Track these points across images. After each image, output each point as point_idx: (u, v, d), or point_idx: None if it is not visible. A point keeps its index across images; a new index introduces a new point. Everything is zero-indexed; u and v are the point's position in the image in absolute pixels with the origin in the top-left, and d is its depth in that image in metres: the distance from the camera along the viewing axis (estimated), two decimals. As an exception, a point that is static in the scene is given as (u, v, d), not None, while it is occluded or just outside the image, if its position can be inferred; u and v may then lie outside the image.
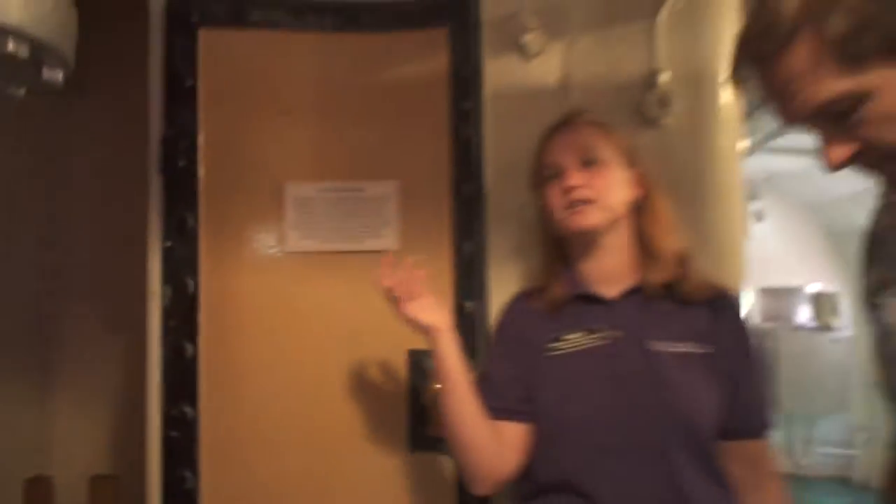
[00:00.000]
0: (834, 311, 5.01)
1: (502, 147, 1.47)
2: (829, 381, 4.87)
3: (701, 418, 1.06)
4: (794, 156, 4.19)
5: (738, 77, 0.83)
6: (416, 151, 1.48)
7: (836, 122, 0.74)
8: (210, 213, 1.45)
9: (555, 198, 1.17)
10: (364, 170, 1.47)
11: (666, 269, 1.14)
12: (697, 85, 1.47)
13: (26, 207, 1.76)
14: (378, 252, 1.47)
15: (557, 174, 1.17)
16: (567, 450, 1.08)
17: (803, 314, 5.17)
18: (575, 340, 1.13)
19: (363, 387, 1.46)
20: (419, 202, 1.47)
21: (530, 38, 1.48)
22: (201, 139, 1.45)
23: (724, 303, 1.16)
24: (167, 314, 1.42)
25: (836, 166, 0.76)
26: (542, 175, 1.20)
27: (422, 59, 1.49)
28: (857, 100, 0.72)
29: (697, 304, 1.13)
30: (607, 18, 1.49)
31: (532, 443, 1.13)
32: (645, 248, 1.18)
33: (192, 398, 1.41)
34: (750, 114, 3.19)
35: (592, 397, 1.08)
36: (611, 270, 1.17)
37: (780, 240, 5.11)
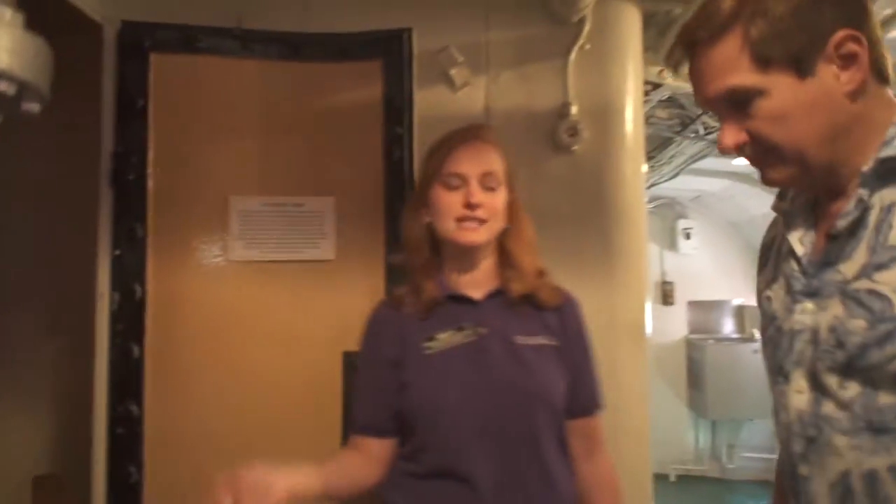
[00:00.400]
0: (755, 322, 5.34)
1: (431, 168, 1.63)
2: (753, 388, 5.16)
3: (558, 399, 1.21)
4: (716, 178, 4.51)
5: (671, 59, 0.94)
6: (352, 170, 1.62)
7: (735, 111, 0.86)
8: (158, 224, 1.55)
9: (452, 206, 1.22)
10: (304, 186, 1.60)
11: (526, 282, 1.25)
12: (603, 116, 1.67)
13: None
14: (316, 262, 1.61)
15: (460, 186, 1.22)
16: (446, 438, 1.17)
17: (728, 326, 5.49)
18: (447, 338, 1.22)
19: (301, 386, 1.59)
20: (354, 216, 1.61)
21: (456, 72, 1.65)
22: (151, 155, 1.56)
23: (570, 307, 1.30)
24: (115, 318, 1.51)
25: (726, 149, 0.89)
26: (445, 181, 1.23)
27: (359, 87, 1.64)
28: (755, 94, 0.84)
29: (549, 308, 1.27)
30: (525, 56, 1.67)
31: (415, 432, 1.20)
32: (508, 260, 1.28)
33: (137, 397, 1.50)
34: (672, 138, 3.47)
35: (466, 388, 1.18)
36: (478, 277, 1.27)
37: (707, 256, 5.43)
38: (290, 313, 1.57)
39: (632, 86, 1.70)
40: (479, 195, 1.21)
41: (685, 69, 0.92)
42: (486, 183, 1.23)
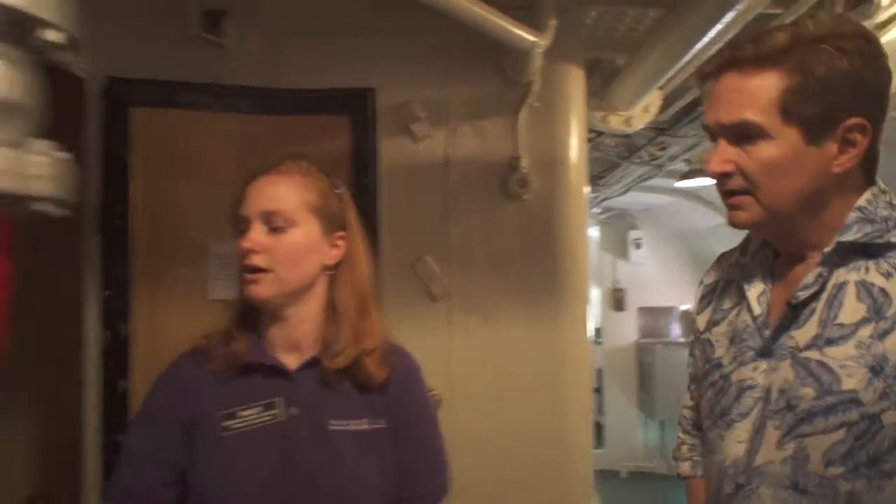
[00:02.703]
0: (701, 328, 5.64)
1: (395, 214, 1.79)
2: (698, 389, 5.46)
3: (368, 496, 1.05)
4: (663, 194, 4.77)
5: (704, 72, 0.95)
6: (322, 216, 1.77)
7: (736, 141, 0.90)
8: (142, 268, 1.68)
9: (239, 255, 1.04)
10: (278, 231, 1.74)
11: (345, 355, 1.06)
12: (550, 168, 1.85)
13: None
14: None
15: (244, 229, 1.04)
16: None
17: (675, 330, 5.79)
18: (250, 417, 1.04)
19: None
20: (325, 259, 1.76)
21: (417, 126, 1.81)
22: (134, 203, 1.68)
23: (402, 379, 1.12)
24: (104, 356, 1.64)
25: (712, 172, 0.94)
26: (236, 227, 1.06)
27: (327, 139, 1.79)
28: (763, 136, 0.88)
29: (374, 386, 1.08)
30: (480, 112, 1.85)
31: None
32: (333, 316, 1.08)
33: (125, 428, 1.63)
34: (626, 158, 3.68)
35: (263, 482, 1.01)
36: (296, 340, 1.08)
37: (655, 264, 5.70)
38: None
39: (576, 139, 1.89)
40: (257, 239, 1.02)
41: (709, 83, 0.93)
42: (272, 223, 1.03)
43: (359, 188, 1.76)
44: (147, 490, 1.04)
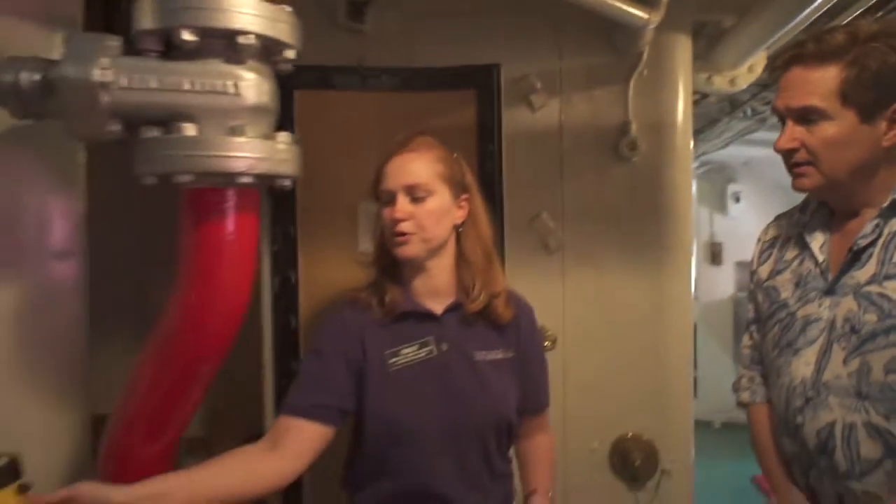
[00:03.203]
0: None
1: (515, 176, 2.02)
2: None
3: (510, 412, 1.32)
4: (766, 147, 4.72)
5: (775, 59, 1.17)
6: (452, 179, 2.03)
7: (801, 122, 1.12)
8: (304, 225, 2.00)
9: (387, 223, 1.28)
10: (415, 193, 2.02)
11: (480, 299, 1.29)
12: (658, 132, 2.02)
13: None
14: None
15: (390, 201, 1.27)
16: (409, 453, 1.25)
17: (774, 285, 5.74)
18: (410, 354, 1.26)
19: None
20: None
21: (535, 97, 2.02)
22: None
23: (523, 318, 1.38)
24: (276, 297, 1.98)
25: (780, 149, 1.16)
26: (380, 198, 1.31)
27: (457, 112, 2.03)
28: (824, 117, 1.08)
29: (503, 323, 1.34)
30: (592, 82, 2.03)
31: (376, 448, 1.27)
32: (466, 267, 1.31)
33: (295, 356, 1.98)
34: (729, 113, 3.71)
35: (429, 405, 1.25)
36: (436, 288, 1.31)
37: (754, 218, 5.65)
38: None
39: (682, 104, 2.04)
40: (403, 209, 1.24)
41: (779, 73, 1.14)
42: (413, 194, 1.25)
43: (484, 155, 2.00)
44: (310, 407, 1.25)
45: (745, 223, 5.67)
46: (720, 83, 2.48)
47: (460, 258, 1.33)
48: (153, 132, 1.04)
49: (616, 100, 2.02)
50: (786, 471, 1.29)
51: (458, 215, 1.32)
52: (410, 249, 1.25)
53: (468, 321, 1.31)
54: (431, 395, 1.26)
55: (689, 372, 2.11)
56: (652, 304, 2.04)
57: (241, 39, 1.01)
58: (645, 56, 1.98)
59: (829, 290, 1.17)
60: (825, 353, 1.16)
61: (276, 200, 1.99)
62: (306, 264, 2.01)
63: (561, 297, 2.05)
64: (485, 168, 2.01)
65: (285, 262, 1.99)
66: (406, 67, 2.02)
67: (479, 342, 1.32)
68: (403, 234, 1.25)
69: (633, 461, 1.98)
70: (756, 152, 5.00)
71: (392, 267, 1.33)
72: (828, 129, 1.11)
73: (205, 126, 1.03)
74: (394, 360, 1.27)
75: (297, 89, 1.98)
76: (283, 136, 1.11)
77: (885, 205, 1.14)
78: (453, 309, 1.32)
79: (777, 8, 1.86)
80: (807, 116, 1.12)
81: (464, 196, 1.34)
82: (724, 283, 5.79)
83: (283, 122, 1.97)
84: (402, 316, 1.30)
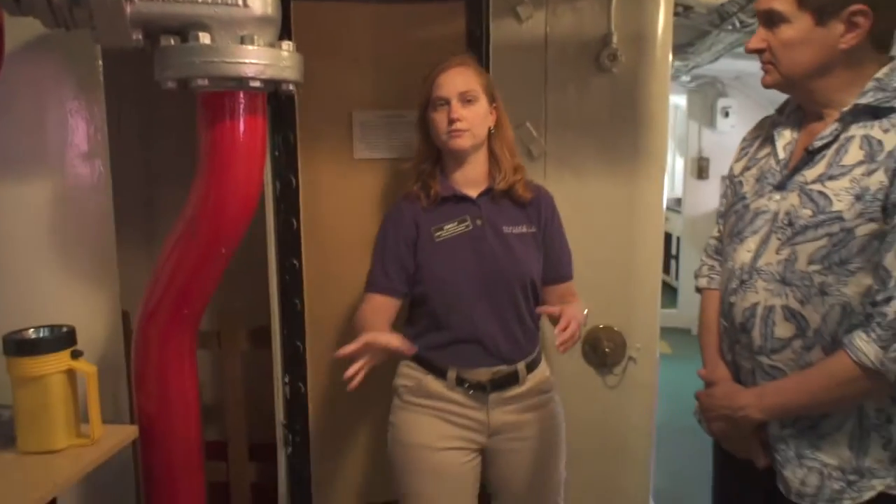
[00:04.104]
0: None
1: (502, 86, 2.12)
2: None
3: (534, 275, 1.68)
4: (754, 60, 4.75)
5: None
6: (442, 89, 2.13)
7: (767, 25, 1.22)
8: (303, 132, 2.13)
9: (441, 123, 1.60)
10: (407, 101, 2.10)
11: (506, 181, 1.65)
12: (638, 45, 2.12)
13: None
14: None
15: (444, 105, 1.60)
16: (454, 304, 1.62)
17: (758, 199, 5.89)
18: (452, 228, 1.64)
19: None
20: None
21: (522, 8, 2.10)
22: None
23: (543, 200, 1.73)
24: (277, 199, 2.14)
25: (749, 49, 1.30)
26: (434, 104, 1.62)
27: (448, 23, 2.12)
28: (783, 20, 1.18)
29: (525, 201, 1.69)
30: (577, -6, 2.11)
31: (428, 303, 1.64)
32: (494, 161, 1.67)
33: (297, 254, 2.16)
34: (717, 26, 3.75)
35: (469, 266, 1.61)
36: (472, 177, 1.67)
37: (742, 133, 5.73)
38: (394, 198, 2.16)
39: (662, 17, 2.12)
40: (458, 111, 1.59)
41: None
42: (465, 98, 1.60)
43: (473, 64, 2.11)
44: (395, 283, 1.65)
45: (734, 138, 5.69)
46: (703, -3, 2.54)
47: (491, 154, 1.69)
48: (172, 41, 1.16)
49: (600, 12, 2.10)
50: (720, 348, 1.45)
51: (492, 119, 1.67)
52: (465, 142, 1.60)
53: (497, 201, 1.66)
54: (471, 260, 1.61)
55: (658, 270, 2.30)
56: (627, 208, 2.20)
57: (250, -46, 1.11)
58: (629, -32, 2.05)
59: (780, 186, 1.29)
60: (764, 243, 1.29)
61: (276, 109, 2.11)
62: (305, 169, 2.15)
63: (543, 201, 2.20)
64: (473, 78, 2.12)
65: (286, 166, 2.14)
66: (400, -19, 2.09)
67: (507, 218, 1.67)
68: (459, 130, 1.59)
69: (603, 348, 2.20)
70: (746, 66, 5.01)
71: (433, 166, 1.68)
72: (786, 31, 1.21)
73: (217, 35, 1.15)
74: (438, 233, 1.63)
75: (294, 0, 2.06)
76: (287, 45, 1.23)
77: (846, 109, 1.22)
78: (485, 193, 1.66)
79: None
80: (771, 18, 1.22)
81: (494, 104, 1.68)
82: (710, 196, 5.90)
83: (281, 32, 2.08)
84: (445, 200, 1.65)
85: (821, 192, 1.21)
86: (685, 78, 5.35)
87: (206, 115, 1.27)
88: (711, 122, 5.81)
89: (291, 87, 1.26)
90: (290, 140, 2.13)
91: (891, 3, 1.18)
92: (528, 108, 2.16)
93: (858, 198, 1.18)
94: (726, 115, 5.67)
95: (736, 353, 1.40)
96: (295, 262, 2.18)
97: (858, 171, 1.19)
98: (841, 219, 1.19)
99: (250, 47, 1.15)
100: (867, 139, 1.20)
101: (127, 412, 1.82)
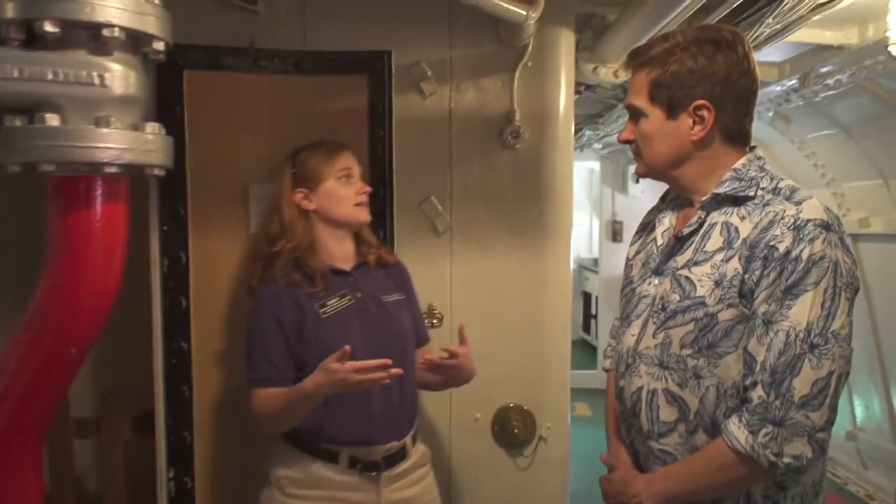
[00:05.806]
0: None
1: (406, 161, 2.09)
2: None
3: (412, 337, 1.77)
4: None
5: (626, 62, 1.36)
6: (344, 162, 2.07)
7: (632, 119, 1.32)
8: (195, 206, 2.00)
9: (349, 194, 1.71)
10: (307, 175, 2.05)
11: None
12: (541, 121, 2.14)
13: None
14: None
15: (348, 176, 1.72)
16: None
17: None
18: (335, 303, 1.67)
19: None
20: (346, 199, 2.08)
21: (426, 84, 2.09)
22: (188, 152, 1.98)
23: (403, 267, 1.85)
24: (166, 277, 1.99)
25: (621, 140, 1.37)
26: (338, 176, 1.71)
27: (349, 96, 2.07)
28: (641, 114, 1.28)
29: (389, 269, 1.80)
30: (480, 71, 2.12)
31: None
32: (360, 236, 1.79)
33: (186, 336, 2.00)
34: (622, 100, 3.87)
35: (357, 337, 1.60)
36: (346, 251, 1.76)
37: (652, 198, 5.96)
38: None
39: (564, 95, 2.16)
40: (364, 185, 1.75)
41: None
42: (363, 176, 1.78)
43: (375, 140, 2.06)
44: (283, 373, 1.62)
45: (645, 203, 5.93)
46: (605, 74, 2.63)
47: (356, 235, 1.80)
48: (16, 121, 1.05)
49: (503, 89, 2.12)
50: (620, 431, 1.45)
51: None
52: (368, 214, 1.75)
53: (369, 273, 1.75)
54: (359, 331, 1.65)
55: (567, 345, 2.27)
56: (533, 283, 2.18)
57: (106, 32, 1.03)
58: (529, 48, 2.08)
59: (657, 271, 1.33)
60: (644, 327, 1.33)
61: (166, 181, 1.98)
62: (197, 245, 2.02)
63: (448, 276, 2.16)
64: (375, 152, 2.07)
65: (175, 242, 2.00)
66: (298, 51, 2.04)
67: (381, 288, 1.75)
68: (365, 203, 1.73)
69: (512, 429, 2.13)
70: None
71: (309, 244, 1.71)
72: (644, 125, 1.29)
73: (70, 116, 1.05)
74: (324, 310, 1.65)
75: (187, 69, 1.98)
76: (152, 127, 1.13)
77: (705, 198, 1.29)
78: (358, 266, 1.74)
79: (653, 2, 1.99)
80: (634, 113, 1.31)
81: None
82: (623, 259, 6.08)
83: (172, 101, 1.98)
84: (324, 277, 1.68)
85: (687, 278, 1.26)
86: (597, 145, 5.55)
87: (57, 200, 1.14)
88: (623, 188, 6.02)
89: (157, 171, 1.16)
90: (179, 214, 2.00)
91: (736, 98, 1.26)
92: (433, 183, 2.14)
93: (717, 284, 1.22)
94: (637, 181, 5.89)
95: (633, 436, 1.40)
96: (184, 344, 2.01)
97: (718, 257, 1.24)
98: (704, 304, 1.23)
99: (105, 130, 1.05)
100: (727, 226, 1.25)
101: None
